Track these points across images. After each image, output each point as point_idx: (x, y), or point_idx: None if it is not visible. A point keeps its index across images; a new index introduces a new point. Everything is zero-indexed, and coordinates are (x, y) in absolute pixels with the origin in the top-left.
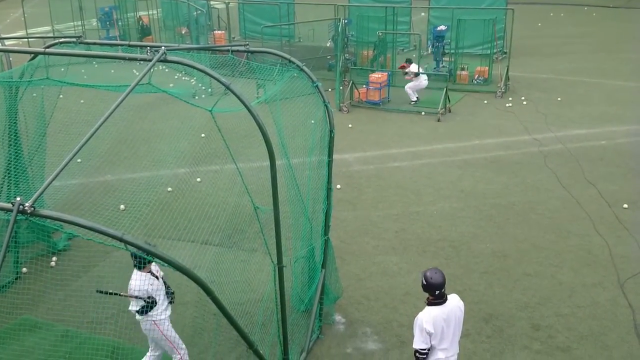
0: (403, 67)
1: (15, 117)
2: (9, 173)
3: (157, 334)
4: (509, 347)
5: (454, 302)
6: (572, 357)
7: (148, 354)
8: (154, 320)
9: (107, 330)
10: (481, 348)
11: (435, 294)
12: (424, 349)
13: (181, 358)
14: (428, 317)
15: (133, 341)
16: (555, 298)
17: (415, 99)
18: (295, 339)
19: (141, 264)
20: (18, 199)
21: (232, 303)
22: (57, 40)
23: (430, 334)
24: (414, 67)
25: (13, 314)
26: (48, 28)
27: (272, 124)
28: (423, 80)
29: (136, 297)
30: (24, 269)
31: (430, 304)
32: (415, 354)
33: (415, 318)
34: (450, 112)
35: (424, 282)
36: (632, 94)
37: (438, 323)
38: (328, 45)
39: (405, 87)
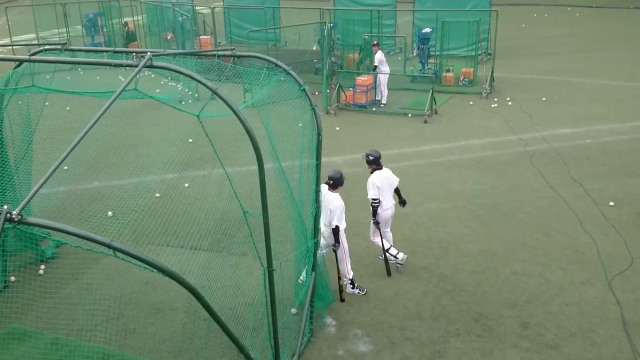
0: (376, 45)
1: (1, 125)
2: None
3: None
4: (498, 346)
5: (389, 172)
6: (561, 354)
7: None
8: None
9: (97, 337)
10: (471, 347)
11: (378, 164)
12: (377, 199)
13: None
14: (377, 177)
15: (122, 348)
16: (544, 296)
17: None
18: (286, 342)
19: (336, 185)
20: (5, 207)
21: (223, 308)
22: (42, 48)
23: (378, 188)
24: (379, 55)
25: (2, 323)
26: (32, 35)
27: (260, 128)
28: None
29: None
30: (12, 278)
31: (374, 170)
32: (371, 204)
33: (368, 181)
34: (436, 113)
35: (371, 158)
36: (615, 92)
37: (381, 181)
38: (314, 48)
39: (383, 85)
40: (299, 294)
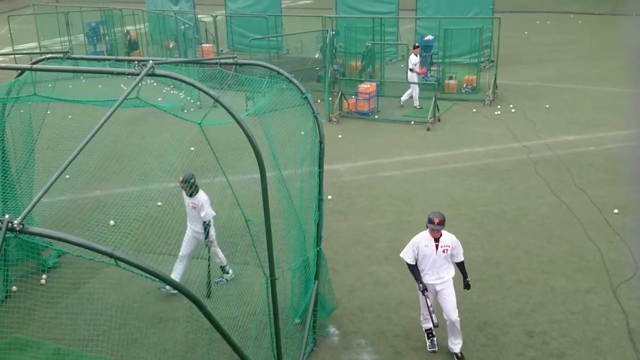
0: (416, 48)
1: (3, 134)
2: None
3: None
4: (503, 355)
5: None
6: None
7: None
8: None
9: (99, 347)
10: (476, 356)
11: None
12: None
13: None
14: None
15: (125, 358)
16: (549, 304)
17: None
18: (289, 352)
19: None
20: (7, 216)
21: (225, 317)
22: (44, 56)
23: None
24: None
25: (3, 332)
26: (35, 44)
27: (262, 135)
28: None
29: None
30: (14, 287)
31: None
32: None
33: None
34: (439, 121)
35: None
36: (618, 99)
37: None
38: (316, 56)
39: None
40: (300, 304)
